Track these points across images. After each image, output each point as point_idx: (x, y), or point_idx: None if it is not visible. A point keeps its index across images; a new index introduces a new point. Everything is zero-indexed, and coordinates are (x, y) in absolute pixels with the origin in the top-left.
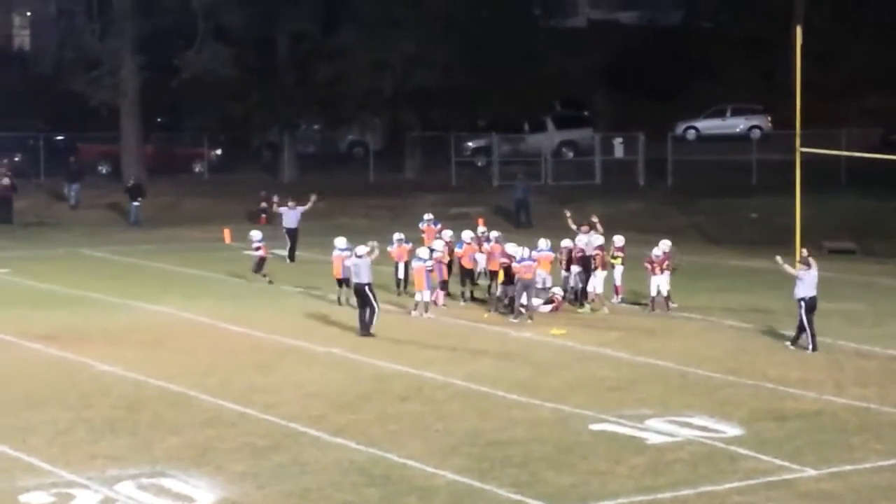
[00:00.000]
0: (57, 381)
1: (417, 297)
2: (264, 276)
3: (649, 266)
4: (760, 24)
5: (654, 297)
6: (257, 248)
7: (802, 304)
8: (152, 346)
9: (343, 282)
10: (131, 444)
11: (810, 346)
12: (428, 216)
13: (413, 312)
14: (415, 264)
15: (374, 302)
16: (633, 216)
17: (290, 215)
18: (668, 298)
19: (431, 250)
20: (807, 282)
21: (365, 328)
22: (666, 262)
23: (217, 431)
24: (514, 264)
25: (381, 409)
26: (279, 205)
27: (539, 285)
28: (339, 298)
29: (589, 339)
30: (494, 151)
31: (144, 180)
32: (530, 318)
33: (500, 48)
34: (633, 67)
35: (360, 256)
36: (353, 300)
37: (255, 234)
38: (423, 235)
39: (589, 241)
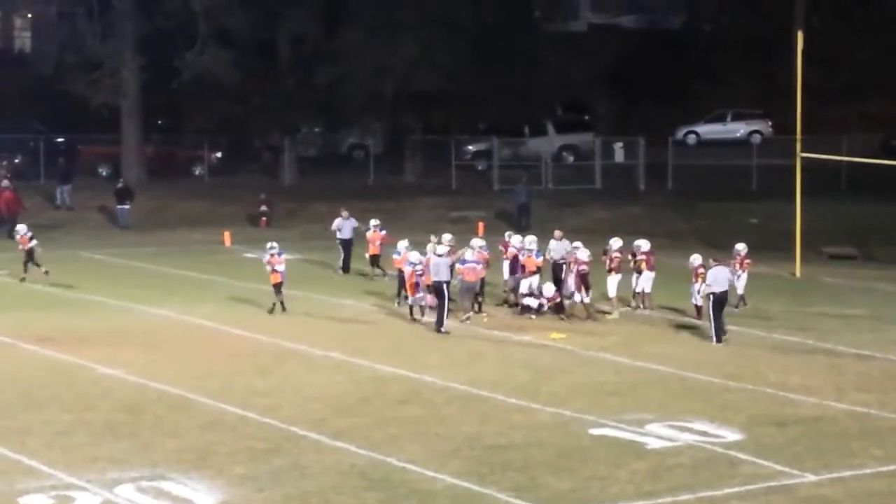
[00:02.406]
0: (56, 384)
1: (410, 301)
2: (42, 268)
3: (736, 264)
4: (761, 28)
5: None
6: (20, 241)
7: (712, 297)
8: (152, 348)
9: (278, 287)
10: (131, 446)
11: (714, 339)
12: (374, 221)
13: (418, 317)
14: (406, 268)
15: (447, 300)
16: (633, 221)
17: (346, 227)
18: (742, 298)
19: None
20: (719, 279)
21: (441, 324)
22: (748, 261)
23: (217, 435)
24: (458, 265)
25: (381, 412)
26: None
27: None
28: (274, 305)
29: (589, 344)
30: (495, 155)
31: (143, 182)
32: (486, 317)
33: (501, 52)
34: (634, 72)
35: (440, 255)
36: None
37: (20, 228)
38: (368, 242)
39: (561, 248)
